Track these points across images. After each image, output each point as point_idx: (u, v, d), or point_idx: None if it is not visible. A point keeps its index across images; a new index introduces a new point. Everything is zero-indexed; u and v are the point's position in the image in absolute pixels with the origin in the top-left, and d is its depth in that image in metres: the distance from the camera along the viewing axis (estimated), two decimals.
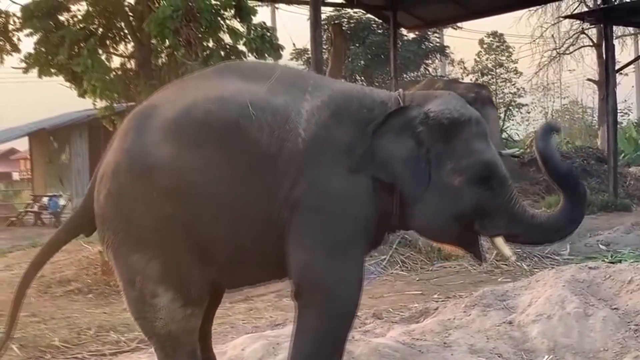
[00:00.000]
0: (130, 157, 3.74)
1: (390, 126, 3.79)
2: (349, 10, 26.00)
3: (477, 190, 3.83)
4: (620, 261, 8.11)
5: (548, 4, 27.07)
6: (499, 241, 3.97)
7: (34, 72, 10.76)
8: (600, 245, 10.76)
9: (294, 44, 25.24)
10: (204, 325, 4.12)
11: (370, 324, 5.73)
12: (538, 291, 5.33)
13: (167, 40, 9.44)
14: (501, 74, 39.56)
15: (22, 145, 36.28)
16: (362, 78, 27.05)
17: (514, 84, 39.83)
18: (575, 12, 26.56)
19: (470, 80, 36.43)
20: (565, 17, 24.54)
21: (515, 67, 39.57)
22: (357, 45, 26.52)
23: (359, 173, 3.74)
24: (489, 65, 39.79)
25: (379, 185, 3.79)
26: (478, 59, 39.97)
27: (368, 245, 3.99)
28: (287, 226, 3.71)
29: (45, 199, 22.06)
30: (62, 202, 21.84)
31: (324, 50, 15.63)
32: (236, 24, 10.15)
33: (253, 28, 9.97)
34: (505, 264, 9.29)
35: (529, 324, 4.98)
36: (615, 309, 5.04)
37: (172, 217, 3.66)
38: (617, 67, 18.16)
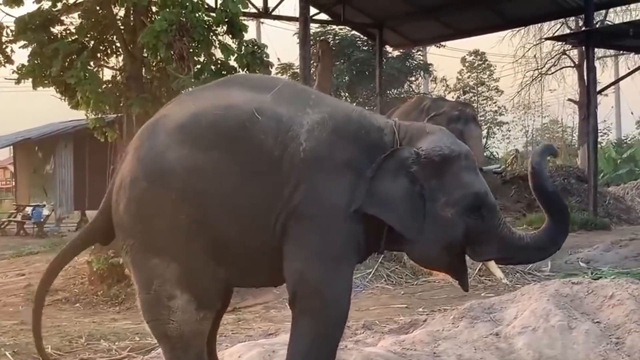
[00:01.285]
0: (146, 165, 3.92)
1: (387, 168, 3.99)
2: (334, 26, 26.16)
3: (469, 220, 4.06)
4: (599, 278, 8.29)
5: (530, 25, 27.35)
6: (491, 264, 4.20)
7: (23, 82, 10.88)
8: (581, 263, 10.93)
9: (278, 59, 25.38)
10: (211, 330, 4.26)
11: (362, 334, 5.87)
12: (523, 304, 5.48)
13: (159, 54, 9.56)
14: (482, 92, 39.87)
15: (1, 154, 36.14)
16: (347, 94, 27.25)
17: (495, 102, 40.14)
18: (557, 33, 26.81)
19: (453, 97, 36.75)
20: (548, 38, 24.82)
21: (497, 86, 39.91)
22: (342, 61, 26.70)
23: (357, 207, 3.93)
24: (471, 84, 40.12)
25: None
26: (460, 77, 40.30)
27: (357, 258, 4.18)
28: (284, 233, 3.89)
29: (28, 209, 22.01)
30: (45, 212, 21.79)
31: (311, 66, 15.79)
32: (228, 40, 10.30)
33: (244, 44, 10.11)
34: (489, 279, 9.46)
35: (514, 336, 5.14)
36: (597, 322, 5.19)
37: (186, 219, 3.84)
38: (598, 89, 18.37)
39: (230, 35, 10.30)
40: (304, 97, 4.15)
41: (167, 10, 9.50)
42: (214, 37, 10.12)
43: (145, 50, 10.06)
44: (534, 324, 5.16)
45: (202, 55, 10.22)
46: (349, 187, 3.94)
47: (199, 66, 10.13)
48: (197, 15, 9.71)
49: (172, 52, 9.48)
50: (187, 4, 9.72)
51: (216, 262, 3.91)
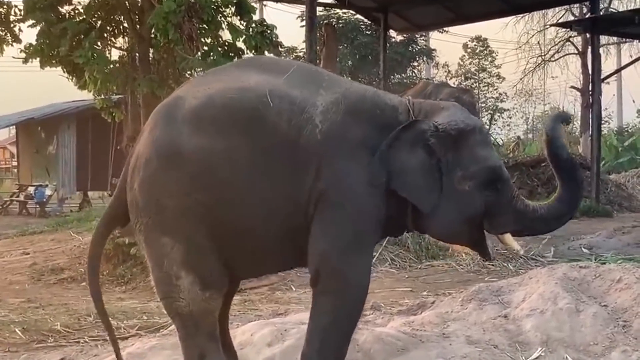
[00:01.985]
0: (160, 146, 3.94)
1: (405, 140, 3.99)
2: (338, 10, 26.12)
3: (485, 193, 4.09)
4: (604, 264, 8.34)
5: (534, 12, 27.32)
6: (508, 237, 4.23)
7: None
8: (584, 249, 10.97)
9: (281, 42, 25.32)
10: (222, 309, 4.29)
11: (371, 315, 5.91)
12: (531, 287, 5.51)
13: (168, 35, 9.58)
14: (484, 78, 39.86)
15: (1, 134, 36.11)
16: (350, 78, 27.21)
17: (496, 89, 40.14)
18: (562, 20, 26.81)
19: (455, 84, 36.77)
20: (553, 25, 24.76)
21: (498, 72, 39.91)
22: (345, 45, 26.68)
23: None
24: (472, 70, 40.10)
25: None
26: (462, 63, 40.27)
27: (378, 238, 4.25)
28: (309, 217, 3.93)
29: (31, 189, 22.06)
30: (48, 192, 21.87)
31: (317, 50, 15.78)
32: (236, 21, 10.33)
33: (253, 25, 10.14)
34: (492, 264, 9.51)
35: (523, 318, 5.18)
36: (604, 305, 5.22)
37: (194, 202, 3.86)
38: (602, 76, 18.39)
39: (239, 17, 10.33)
40: (318, 79, 4.16)
41: None
42: (222, 18, 10.15)
43: (153, 31, 10.06)
44: (542, 306, 5.20)
45: (210, 37, 10.26)
46: (367, 167, 3.97)
47: (206, 48, 10.15)
48: None
49: (180, 33, 9.51)
50: None
51: (223, 246, 3.93)
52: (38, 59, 10.77)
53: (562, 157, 4.16)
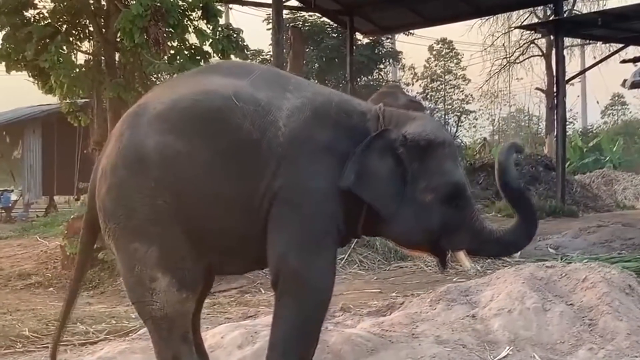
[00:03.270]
0: (126, 152, 3.95)
1: (374, 147, 4.02)
2: (304, 13, 26.12)
3: (445, 208, 4.12)
4: (570, 263, 8.43)
5: (499, 14, 27.56)
6: (460, 254, 4.27)
7: None
8: (550, 249, 11.06)
9: (247, 46, 25.29)
10: (194, 311, 4.30)
11: (340, 317, 5.95)
12: (499, 287, 5.57)
13: (135, 39, 9.55)
14: (449, 80, 40.04)
15: None
16: (317, 81, 27.22)
17: (462, 91, 40.34)
18: (526, 22, 27.08)
19: (420, 86, 36.96)
20: (518, 27, 25.01)
21: (464, 74, 40.12)
22: (311, 48, 26.66)
23: (341, 186, 3.98)
24: (438, 72, 40.26)
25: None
26: (427, 65, 40.43)
27: (338, 242, 4.22)
28: (267, 218, 3.94)
29: None
30: (13, 197, 21.72)
31: (284, 53, 15.81)
32: (202, 25, 10.33)
33: (219, 29, 10.14)
34: (460, 265, 9.56)
35: (491, 318, 5.24)
36: (570, 304, 5.29)
37: (165, 205, 3.88)
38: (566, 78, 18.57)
39: (205, 21, 10.33)
40: (284, 82, 4.18)
41: None
42: (188, 22, 10.15)
43: (119, 34, 10.04)
44: (510, 306, 5.26)
45: (176, 40, 10.25)
46: (329, 171, 3.99)
47: (172, 51, 10.14)
48: (171, 0, 9.73)
49: (147, 37, 9.49)
50: None
51: (195, 247, 3.95)
52: (4, 63, 10.69)
53: (514, 187, 4.19)
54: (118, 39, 10.54)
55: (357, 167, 3.96)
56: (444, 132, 4.31)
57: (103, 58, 11.11)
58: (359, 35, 24.27)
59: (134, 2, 9.49)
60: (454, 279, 8.60)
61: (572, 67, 30.88)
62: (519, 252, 10.52)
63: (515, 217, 4.23)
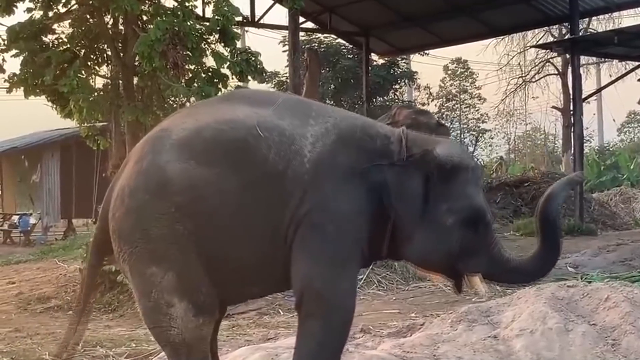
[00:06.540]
0: (146, 177, 3.97)
1: (409, 165, 4.07)
2: (319, 35, 26.24)
3: (465, 232, 4.13)
4: (590, 282, 8.38)
5: (514, 34, 27.56)
6: (476, 279, 4.26)
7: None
8: (569, 268, 10.99)
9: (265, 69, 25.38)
10: (212, 334, 4.29)
11: (361, 338, 5.93)
12: (520, 307, 5.55)
13: (153, 62, 9.60)
14: (465, 99, 40.07)
15: None
16: (332, 102, 27.28)
17: (477, 110, 40.35)
18: (541, 41, 27.05)
19: (436, 105, 36.99)
20: (533, 46, 25.03)
21: (479, 94, 40.14)
22: (327, 69, 26.72)
23: (367, 196, 4.02)
24: (453, 91, 40.32)
25: (376, 213, 4.06)
26: (443, 85, 40.50)
27: (361, 263, 4.26)
28: (293, 241, 3.96)
29: (15, 218, 22.02)
30: (32, 220, 21.83)
31: (300, 75, 15.87)
32: (220, 48, 10.39)
33: (237, 52, 10.20)
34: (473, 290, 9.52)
35: (513, 338, 5.21)
36: (593, 324, 5.26)
37: (185, 231, 3.89)
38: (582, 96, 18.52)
39: (223, 44, 10.39)
40: (306, 110, 4.20)
41: (160, 19, 9.58)
42: (206, 45, 10.21)
43: (138, 58, 10.10)
44: (532, 326, 5.23)
45: (194, 63, 10.31)
46: (354, 193, 4.01)
47: (190, 74, 10.21)
48: (189, 23, 9.81)
49: (165, 60, 9.55)
50: (179, 12, 9.82)
51: (213, 273, 3.95)
52: (22, 88, 10.78)
53: (552, 218, 4.17)
54: (136, 63, 10.61)
55: (392, 182, 4.02)
56: (469, 157, 4.32)
57: (121, 82, 11.16)
58: (374, 56, 24.34)
59: (152, 26, 9.56)
60: (473, 299, 8.57)
61: (588, 85, 30.83)
62: None
63: (539, 245, 4.21)
